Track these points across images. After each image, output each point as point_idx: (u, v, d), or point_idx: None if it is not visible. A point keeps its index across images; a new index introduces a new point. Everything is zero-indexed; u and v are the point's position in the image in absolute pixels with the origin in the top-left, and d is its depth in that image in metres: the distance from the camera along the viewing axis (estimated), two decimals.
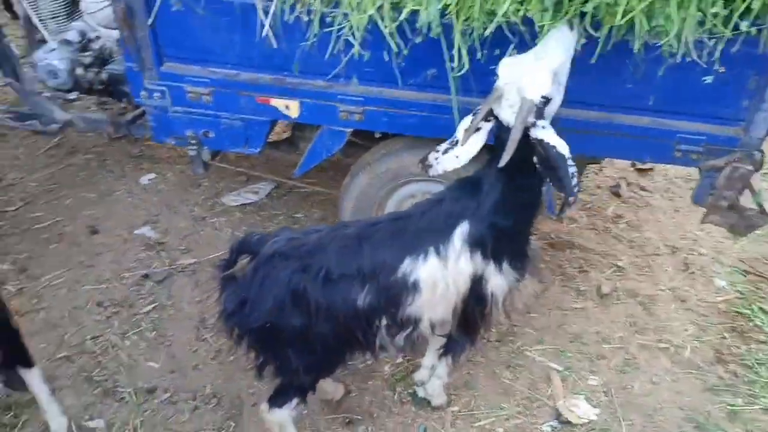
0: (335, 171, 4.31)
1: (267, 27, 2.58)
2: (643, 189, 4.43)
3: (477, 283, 2.35)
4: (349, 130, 2.96)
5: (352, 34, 2.36)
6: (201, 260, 3.71)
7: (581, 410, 2.91)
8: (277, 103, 2.91)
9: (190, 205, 4.16)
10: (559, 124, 2.16)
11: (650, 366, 3.15)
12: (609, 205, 4.25)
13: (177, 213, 4.09)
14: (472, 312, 2.45)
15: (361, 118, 2.85)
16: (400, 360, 3.11)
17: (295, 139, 3.61)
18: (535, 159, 2.10)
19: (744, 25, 2.05)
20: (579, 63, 2.36)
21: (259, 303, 2.23)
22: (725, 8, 1.98)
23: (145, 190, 4.27)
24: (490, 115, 2.13)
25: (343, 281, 2.23)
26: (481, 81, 2.50)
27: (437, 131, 2.73)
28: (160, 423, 2.83)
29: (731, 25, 2.05)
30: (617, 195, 4.34)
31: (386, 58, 2.51)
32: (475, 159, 2.22)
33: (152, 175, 4.39)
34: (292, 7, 2.45)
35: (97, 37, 3.86)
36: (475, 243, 2.26)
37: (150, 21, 2.77)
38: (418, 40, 2.37)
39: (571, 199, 2.07)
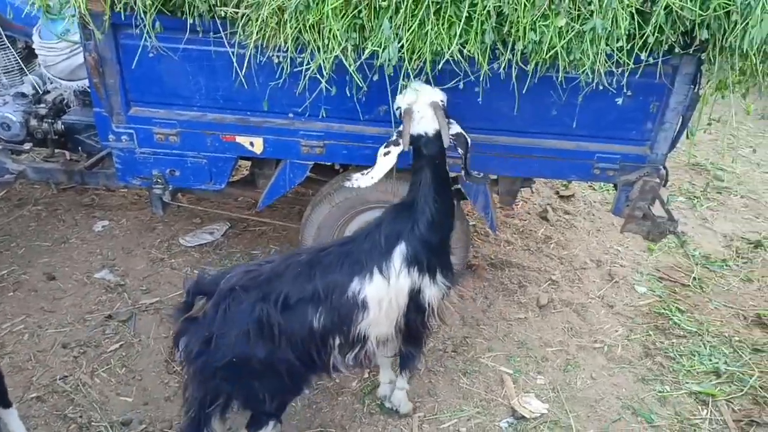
0: (287, 207, 4.58)
1: (242, 73, 2.86)
2: (567, 213, 4.91)
3: (415, 295, 2.63)
4: (311, 163, 3.24)
5: (319, 72, 2.66)
6: (163, 299, 3.82)
7: (533, 406, 3.21)
8: (242, 140, 3.16)
9: (147, 248, 4.26)
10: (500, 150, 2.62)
11: (588, 364, 3.51)
12: (539, 228, 4.69)
13: (134, 256, 4.18)
14: (414, 322, 2.71)
15: (322, 152, 3.14)
16: (366, 375, 3.33)
17: (253, 176, 3.84)
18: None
19: (643, 56, 2.51)
20: (511, 96, 2.79)
21: (224, 338, 2.29)
22: (627, 43, 2.44)
23: (99, 237, 4.34)
24: (397, 141, 2.50)
25: (299, 305, 2.39)
26: None
27: None
28: None
29: (632, 58, 2.51)
30: (545, 219, 4.79)
31: (348, 94, 2.82)
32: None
33: (105, 222, 4.47)
34: (263, 51, 2.73)
35: (54, 89, 4.00)
36: (411, 260, 2.56)
37: (132, 66, 2.98)
38: (375, 77, 2.70)
39: (474, 172, 2.77)
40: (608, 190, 5.15)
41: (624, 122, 3.03)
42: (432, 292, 2.67)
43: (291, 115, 3.08)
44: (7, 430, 2.71)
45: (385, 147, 2.53)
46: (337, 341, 2.52)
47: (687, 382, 3.41)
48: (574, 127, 3.04)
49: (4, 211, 4.54)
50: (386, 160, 2.50)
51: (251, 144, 3.17)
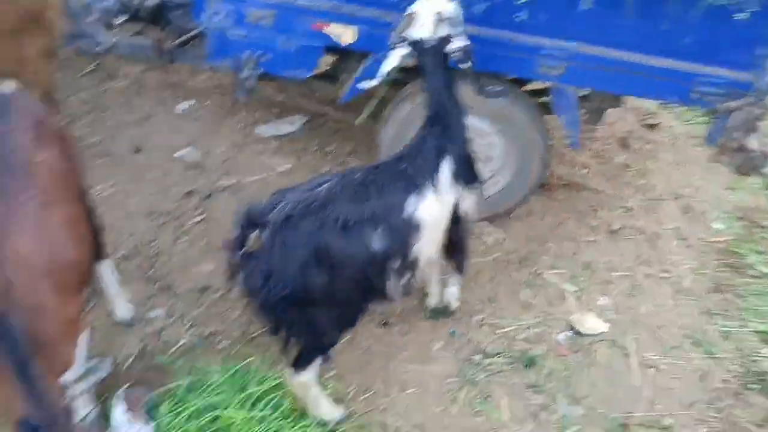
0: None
1: None
2: (649, 142, 4.73)
3: (456, 206, 2.67)
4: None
5: None
6: (241, 181, 3.96)
7: (592, 324, 3.24)
8: (334, 29, 3.14)
9: (228, 132, 4.38)
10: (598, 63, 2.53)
11: (654, 292, 3.49)
12: (619, 155, 4.55)
13: (215, 138, 4.31)
14: (455, 233, 2.76)
15: None
16: None
17: (336, 71, 3.83)
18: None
19: None
20: (619, 4, 2.65)
21: (284, 270, 2.22)
22: None
23: (183, 116, 4.48)
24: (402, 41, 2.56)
25: (357, 228, 2.31)
26: None
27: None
28: (214, 315, 3.12)
29: None
30: (626, 146, 4.63)
31: None
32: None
33: (189, 103, 4.59)
34: None
35: None
36: (455, 173, 2.58)
37: None
38: None
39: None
40: (696, 122, 4.91)
41: (736, 44, 2.84)
42: (469, 200, 2.73)
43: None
44: (102, 281, 2.94)
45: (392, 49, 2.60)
46: (396, 264, 2.46)
47: (752, 321, 3.36)
48: (681, 45, 2.88)
49: (95, 82, 4.71)
50: (389, 60, 2.59)
51: (342, 34, 3.15)
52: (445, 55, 2.58)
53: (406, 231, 2.44)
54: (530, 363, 3.01)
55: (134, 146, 4.15)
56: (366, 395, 2.84)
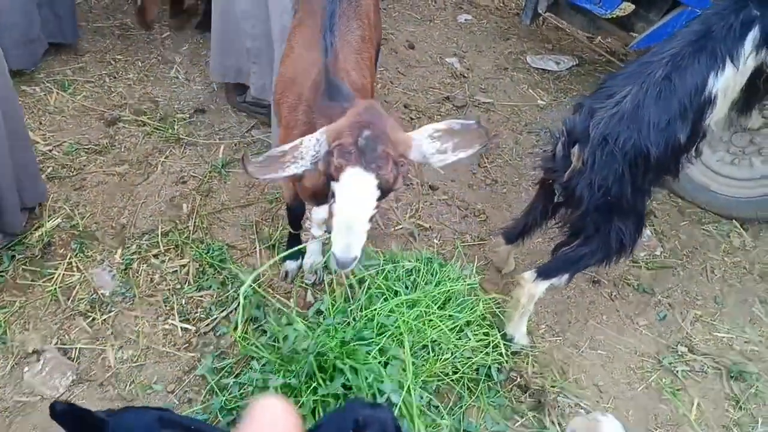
0: None
1: None
2: None
3: (758, 68, 2.48)
4: None
5: None
6: (495, 103, 4.00)
7: None
8: None
9: (496, 53, 4.41)
10: None
11: None
12: None
13: (483, 56, 4.37)
14: (755, 84, 2.57)
15: None
16: None
17: (630, 18, 3.64)
18: None
19: None
20: None
21: (606, 179, 2.27)
22: None
23: (460, 27, 4.59)
24: None
25: (670, 125, 2.28)
26: None
27: None
28: (435, 215, 3.26)
29: None
30: None
31: None
32: None
33: (469, 17, 4.68)
34: None
35: None
36: (762, 42, 2.38)
37: None
38: None
39: None
40: None
41: None
42: None
43: None
44: None
45: None
46: (692, 150, 2.48)
47: None
48: None
49: None
50: None
51: None
52: None
53: (703, 108, 2.38)
54: (738, 376, 2.77)
55: (409, 42, 4.35)
56: (555, 338, 2.83)
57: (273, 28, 2.83)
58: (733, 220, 3.43)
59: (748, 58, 2.39)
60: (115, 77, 3.66)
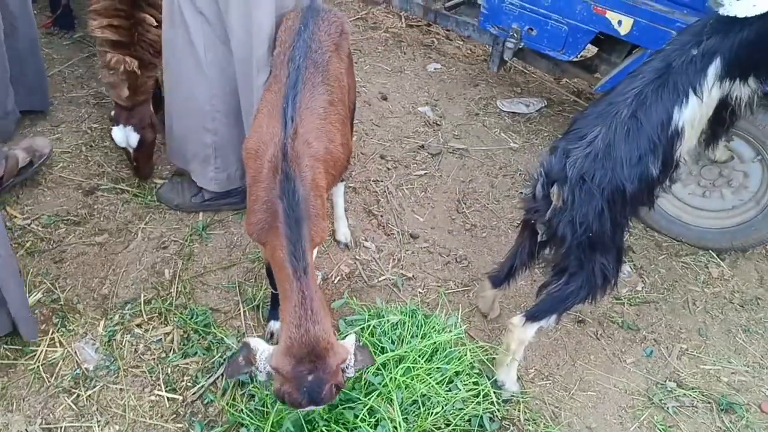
0: None
1: None
2: None
3: (723, 99, 2.56)
4: None
5: None
6: (470, 148, 4.08)
7: None
8: (612, 16, 3.08)
9: (467, 99, 4.52)
10: None
11: None
12: None
13: (454, 103, 4.47)
14: (721, 116, 2.67)
15: None
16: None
17: (597, 60, 3.76)
18: None
19: None
20: None
21: (586, 216, 2.31)
22: None
23: (430, 77, 4.70)
24: None
25: (642, 160, 2.34)
26: None
27: None
28: (417, 264, 3.29)
29: None
30: None
31: None
32: None
33: (438, 65, 4.81)
34: None
35: None
36: (725, 73, 2.46)
37: None
38: None
39: None
40: None
41: None
42: (741, 91, 2.59)
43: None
44: (333, 199, 3.24)
45: None
46: (665, 183, 2.56)
47: None
48: None
49: (360, 30, 5.11)
50: None
51: (619, 23, 3.08)
52: None
53: (672, 142, 2.43)
54: (727, 408, 2.78)
55: (382, 94, 4.45)
56: (544, 383, 2.84)
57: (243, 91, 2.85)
58: (710, 251, 3.50)
59: (712, 89, 2.47)
60: (91, 146, 3.68)
